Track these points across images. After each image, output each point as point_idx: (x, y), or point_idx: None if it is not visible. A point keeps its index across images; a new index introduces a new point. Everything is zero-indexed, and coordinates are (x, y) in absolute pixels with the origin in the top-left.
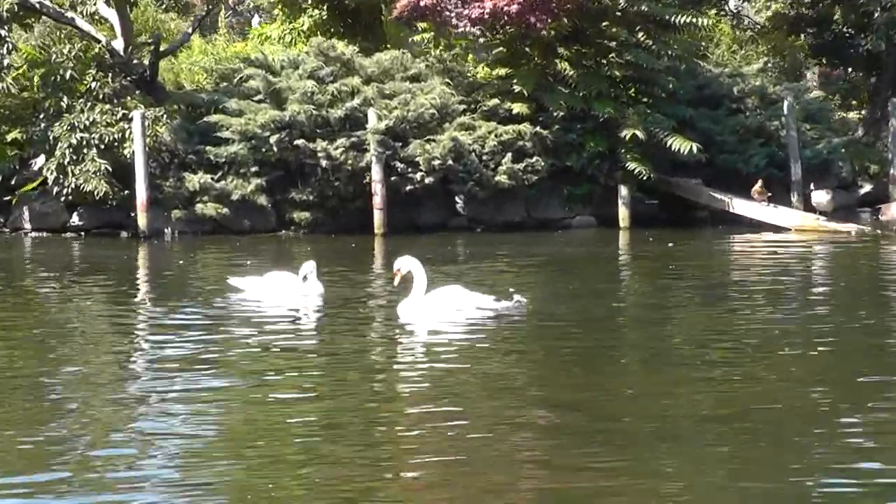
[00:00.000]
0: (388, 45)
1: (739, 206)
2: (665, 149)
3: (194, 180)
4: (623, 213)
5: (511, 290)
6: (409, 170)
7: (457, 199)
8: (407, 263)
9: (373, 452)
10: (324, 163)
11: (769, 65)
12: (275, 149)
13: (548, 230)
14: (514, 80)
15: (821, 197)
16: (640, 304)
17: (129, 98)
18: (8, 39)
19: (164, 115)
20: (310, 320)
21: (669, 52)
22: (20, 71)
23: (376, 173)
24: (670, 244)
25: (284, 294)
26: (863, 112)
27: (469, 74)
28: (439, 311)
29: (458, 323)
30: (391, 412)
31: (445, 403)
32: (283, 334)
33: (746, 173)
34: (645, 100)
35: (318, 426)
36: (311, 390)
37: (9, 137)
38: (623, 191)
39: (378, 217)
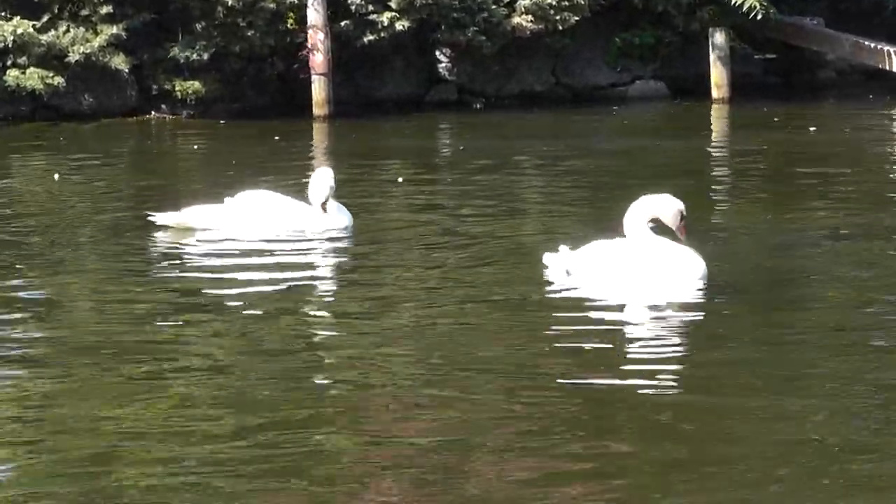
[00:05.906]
0: None
1: None
2: None
3: (2, 30)
4: (718, 76)
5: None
6: (369, 7)
7: (440, 55)
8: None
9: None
10: None
11: None
12: None
13: (590, 104)
14: None
15: None
16: (800, 252)
17: None
18: None
19: None
20: (354, 287)
21: None
22: None
23: (314, 15)
24: (812, 129)
25: (278, 232)
26: None
27: None
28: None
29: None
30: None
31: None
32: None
33: (893, 8)
34: None
35: None
36: None
37: None
38: (718, 38)
39: (319, 88)
